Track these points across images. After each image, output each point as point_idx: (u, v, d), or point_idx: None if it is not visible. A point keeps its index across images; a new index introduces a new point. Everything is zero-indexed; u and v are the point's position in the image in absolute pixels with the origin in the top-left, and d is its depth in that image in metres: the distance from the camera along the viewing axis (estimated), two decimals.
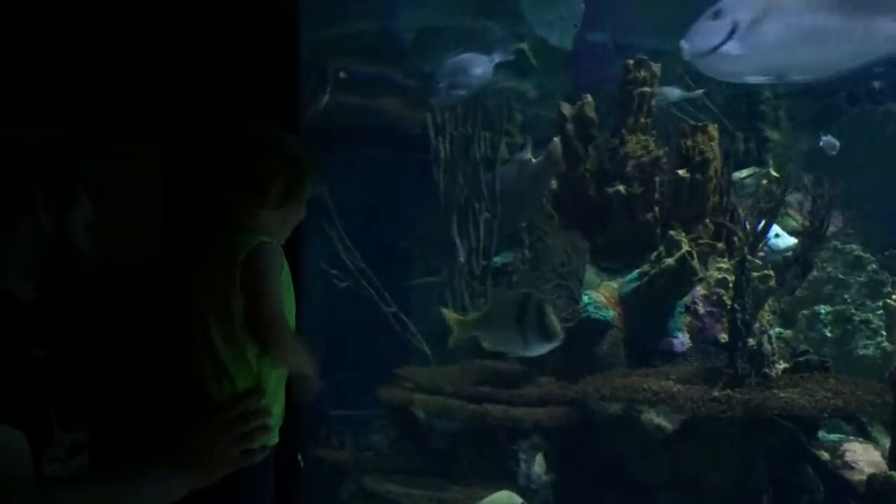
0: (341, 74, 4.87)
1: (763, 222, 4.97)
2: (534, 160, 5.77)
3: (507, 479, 4.24)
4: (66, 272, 1.70)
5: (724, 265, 4.79)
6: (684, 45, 3.19)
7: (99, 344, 1.81)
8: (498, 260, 5.32)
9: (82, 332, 1.77)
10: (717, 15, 3.13)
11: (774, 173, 5.51)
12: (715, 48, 3.10)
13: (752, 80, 3.70)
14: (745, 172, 5.59)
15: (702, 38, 3.15)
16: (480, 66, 4.62)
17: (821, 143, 5.80)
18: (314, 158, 1.85)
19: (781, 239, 5.08)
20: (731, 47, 3.06)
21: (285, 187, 1.75)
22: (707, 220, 4.99)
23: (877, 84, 6.91)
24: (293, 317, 1.79)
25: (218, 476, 1.67)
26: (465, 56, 4.75)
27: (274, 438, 1.77)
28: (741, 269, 4.23)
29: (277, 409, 1.78)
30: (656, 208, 4.99)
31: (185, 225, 1.84)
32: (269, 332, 1.68)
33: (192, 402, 1.70)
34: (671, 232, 4.69)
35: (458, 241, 4.37)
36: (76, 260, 1.69)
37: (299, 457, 2.13)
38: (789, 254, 5.11)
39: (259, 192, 1.73)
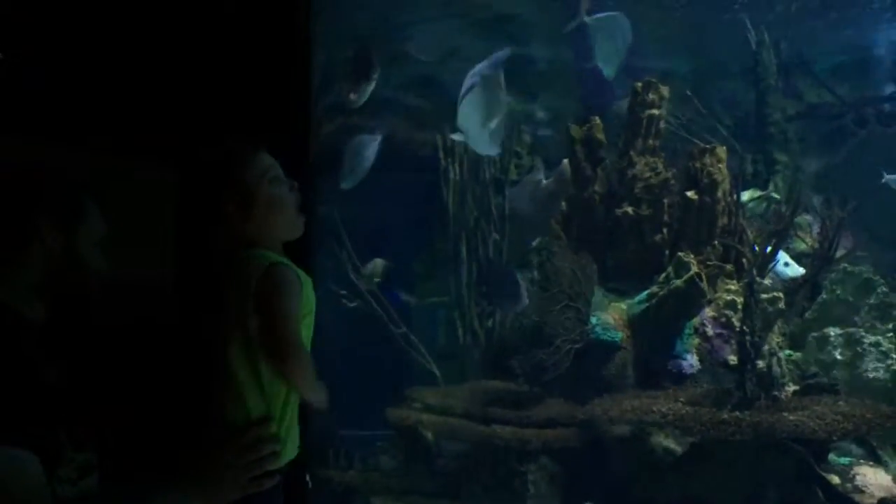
0: (352, 96, 4.88)
1: (771, 245, 4.96)
2: (545, 181, 5.80)
3: (516, 501, 4.22)
4: (76, 291, 1.71)
5: (732, 287, 4.79)
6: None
7: (111, 364, 1.82)
8: None
9: (94, 352, 1.78)
10: None
11: (776, 195, 5.51)
12: None
13: None
14: (746, 195, 5.59)
15: None
16: (369, 148, 4.70)
17: (883, 180, 5.85)
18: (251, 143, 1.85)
19: (791, 268, 5.06)
20: None
21: (258, 175, 1.76)
22: (716, 242, 4.98)
23: (886, 106, 6.93)
24: (309, 340, 1.80)
25: (226, 501, 1.68)
26: (357, 139, 4.79)
27: (282, 462, 1.76)
28: (750, 290, 4.22)
29: (292, 437, 1.78)
30: (665, 230, 5.00)
31: (200, 246, 1.85)
32: (281, 351, 1.68)
33: (204, 426, 1.71)
34: (680, 253, 4.69)
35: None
36: (86, 279, 1.69)
37: (307, 477, 2.13)
38: (798, 275, 5.09)
39: (244, 191, 1.75)
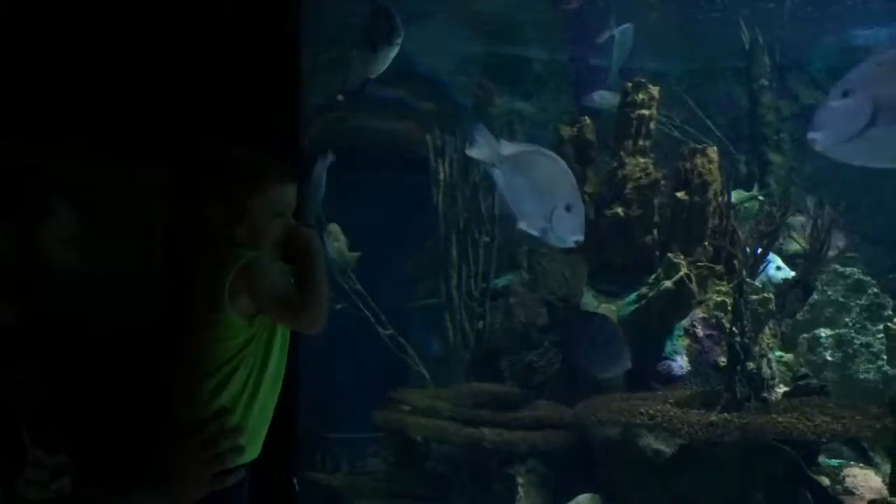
0: (339, 98, 4.86)
1: (762, 246, 4.94)
2: None
3: (505, 503, 4.20)
4: (42, 290, 1.69)
5: (723, 288, 4.77)
6: (815, 136, 2.62)
7: (83, 365, 1.81)
8: (498, 282, 5.31)
9: (66, 352, 1.76)
10: (846, 94, 2.59)
11: (761, 197, 5.50)
12: (857, 135, 2.56)
13: None
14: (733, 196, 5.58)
15: (836, 124, 2.59)
16: (319, 168, 4.63)
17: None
18: (287, 173, 1.85)
19: (783, 272, 5.05)
20: (877, 131, 2.53)
21: (262, 203, 1.76)
22: (706, 243, 4.96)
23: None
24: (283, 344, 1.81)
25: (191, 499, 1.66)
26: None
27: (246, 458, 1.75)
28: (740, 292, 4.20)
29: (258, 434, 1.76)
30: (655, 231, 4.98)
31: (175, 247, 1.83)
32: (301, 316, 1.73)
33: (166, 424, 1.70)
34: (670, 254, 4.67)
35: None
36: (50, 277, 1.67)
37: (294, 480, 2.11)
38: (789, 278, 5.07)
39: (239, 209, 1.74)
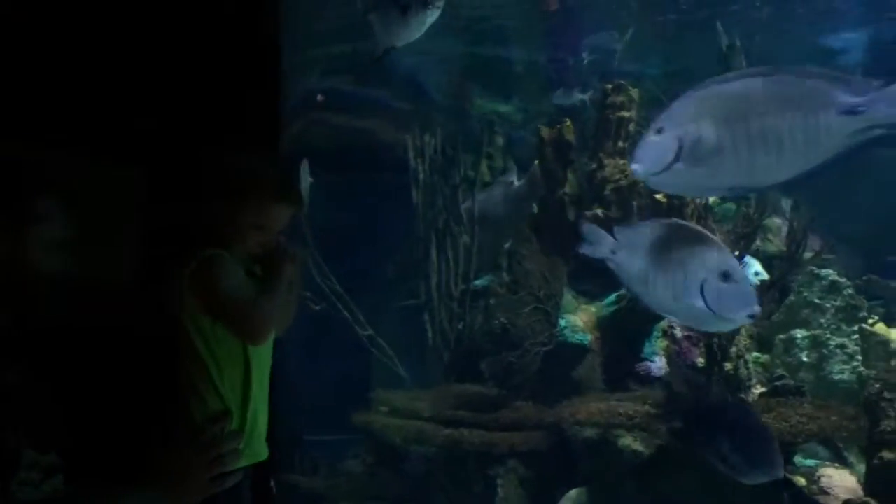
0: (319, 98, 4.84)
1: (738, 249, 4.98)
2: (517, 183, 5.80)
3: None
4: (31, 293, 1.68)
5: None
6: (635, 167, 2.91)
7: (74, 366, 1.79)
8: (478, 283, 5.32)
9: (56, 353, 1.74)
10: (660, 131, 2.88)
11: (731, 205, 5.55)
12: (666, 167, 2.84)
13: (715, 193, 3.46)
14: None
15: (650, 157, 2.88)
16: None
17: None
18: (283, 190, 1.84)
19: (761, 277, 5.10)
20: (682, 164, 2.82)
21: (246, 210, 1.75)
22: None
23: None
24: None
25: (190, 502, 1.65)
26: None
27: (244, 461, 1.74)
28: None
29: (257, 435, 1.77)
30: None
31: (161, 248, 1.83)
32: (245, 323, 1.70)
33: (164, 427, 1.69)
34: None
35: None
36: (40, 279, 1.67)
37: (272, 483, 2.10)
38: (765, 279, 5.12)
39: (218, 212, 1.73)
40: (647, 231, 3.16)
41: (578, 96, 6.24)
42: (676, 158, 2.82)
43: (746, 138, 2.77)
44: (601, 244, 3.20)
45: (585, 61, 6.67)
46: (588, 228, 3.30)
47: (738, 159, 2.80)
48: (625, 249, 3.15)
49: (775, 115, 2.75)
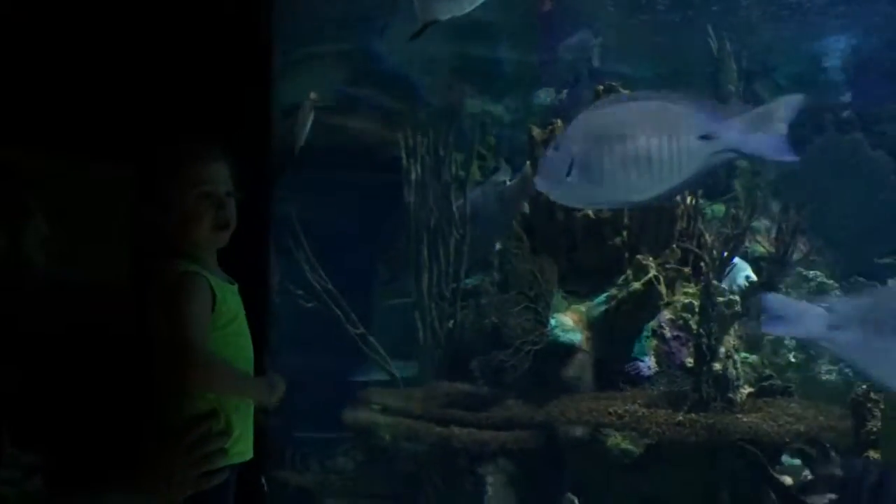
0: (312, 96, 4.84)
1: (728, 251, 5.02)
2: (508, 182, 5.81)
3: (474, 502, 4.22)
4: (20, 290, 1.68)
5: (690, 290, 4.83)
6: (536, 180, 3.31)
7: (56, 365, 1.79)
8: (469, 282, 5.33)
9: (39, 352, 1.75)
10: (556, 148, 3.24)
11: (721, 206, 5.60)
12: (561, 181, 3.19)
13: (601, 206, 3.85)
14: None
15: (548, 172, 3.23)
16: (306, 106, 4.56)
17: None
18: (205, 150, 1.82)
19: (750, 278, 5.13)
20: (573, 179, 3.14)
21: (183, 185, 1.76)
22: (674, 246, 5.02)
23: (845, 113, 7.05)
24: (247, 345, 1.80)
25: (175, 500, 1.65)
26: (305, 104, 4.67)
27: (232, 459, 1.75)
28: (707, 294, 4.27)
29: (245, 433, 1.78)
30: (624, 233, 5.02)
31: (145, 248, 1.84)
32: (182, 360, 1.69)
33: (151, 425, 1.70)
34: (639, 256, 4.71)
35: None
36: (29, 277, 1.67)
37: (262, 480, 2.11)
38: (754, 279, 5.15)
39: (163, 198, 1.76)
40: (870, 301, 2.97)
41: (557, 96, 6.34)
42: (569, 174, 3.15)
43: (622, 158, 3.11)
44: (808, 320, 2.91)
45: (561, 61, 6.74)
46: (771, 301, 3.12)
47: (616, 177, 3.14)
48: (847, 324, 2.87)
49: (646, 138, 3.10)
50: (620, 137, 3.11)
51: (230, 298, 1.79)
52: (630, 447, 4.28)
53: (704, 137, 3.05)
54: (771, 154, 3.23)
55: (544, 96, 6.43)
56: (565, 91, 6.57)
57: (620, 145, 3.10)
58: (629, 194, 3.22)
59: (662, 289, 4.59)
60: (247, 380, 1.77)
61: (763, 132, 3.06)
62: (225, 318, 1.76)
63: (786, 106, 3.12)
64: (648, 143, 3.09)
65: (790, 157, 3.18)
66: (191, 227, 1.76)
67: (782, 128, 3.06)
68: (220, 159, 1.79)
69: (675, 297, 4.80)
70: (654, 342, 4.68)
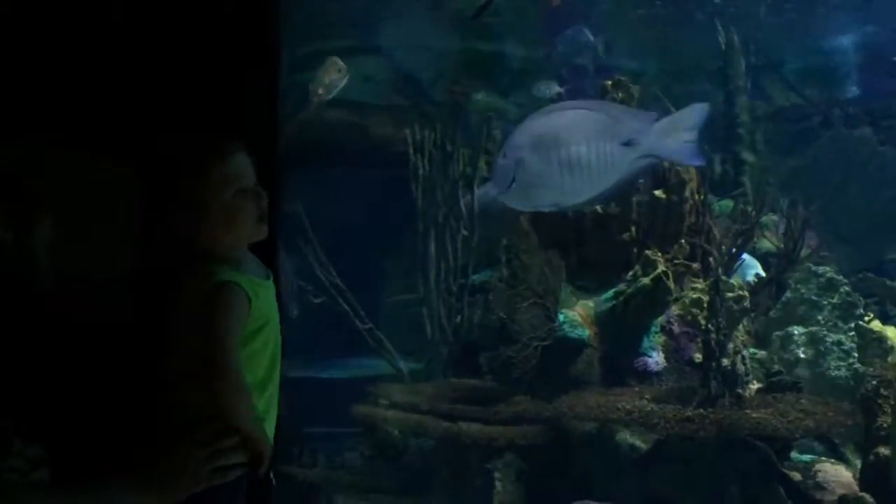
0: (320, 91, 4.84)
1: (736, 246, 5.01)
2: None
3: (482, 498, 4.21)
4: (29, 287, 1.68)
5: (699, 285, 4.82)
6: (490, 186, 3.65)
7: (64, 359, 1.79)
8: (476, 277, 5.32)
9: (46, 346, 1.75)
10: (505, 155, 3.53)
11: (729, 202, 5.59)
12: (509, 186, 3.49)
13: (546, 209, 4.03)
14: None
15: (497, 178, 3.55)
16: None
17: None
18: (225, 144, 1.74)
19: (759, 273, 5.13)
20: (517, 184, 3.45)
21: (217, 185, 1.67)
22: (683, 241, 5.01)
23: (852, 109, 7.03)
24: (276, 351, 1.76)
25: (187, 494, 1.65)
26: None
27: (246, 456, 1.74)
28: (715, 289, 4.25)
29: (268, 423, 1.75)
30: (633, 228, 5.01)
31: (160, 247, 1.82)
32: (211, 373, 1.63)
33: (166, 420, 1.68)
34: (647, 252, 4.71)
35: None
36: (38, 275, 1.67)
37: (271, 475, 2.10)
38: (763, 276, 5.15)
39: (193, 203, 1.67)
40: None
41: (556, 89, 6.35)
42: (513, 180, 3.47)
43: (557, 164, 3.41)
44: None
45: (556, 53, 6.75)
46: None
47: (553, 181, 3.45)
48: None
49: (577, 145, 3.41)
50: (555, 145, 3.42)
51: (263, 295, 1.71)
52: (638, 443, 4.28)
53: (627, 144, 3.40)
54: (681, 158, 3.69)
55: (545, 89, 6.44)
56: (565, 86, 6.56)
57: (556, 152, 3.41)
58: (565, 198, 3.56)
59: (671, 284, 4.58)
60: (257, 424, 1.70)
61: (674, 139, 3.44)
62: (259, 321, 1.69)
63: (694, 114, 3.51)
64: (579, 150, 3.41)
65: (698, 162, 3.75)
66: (233, 226, 1.67)
67: (692, 134, 3.44)
68: (243, 151, 1.73)
69: (684, 293, 4.79)
70: (663, 338, 4.68)
